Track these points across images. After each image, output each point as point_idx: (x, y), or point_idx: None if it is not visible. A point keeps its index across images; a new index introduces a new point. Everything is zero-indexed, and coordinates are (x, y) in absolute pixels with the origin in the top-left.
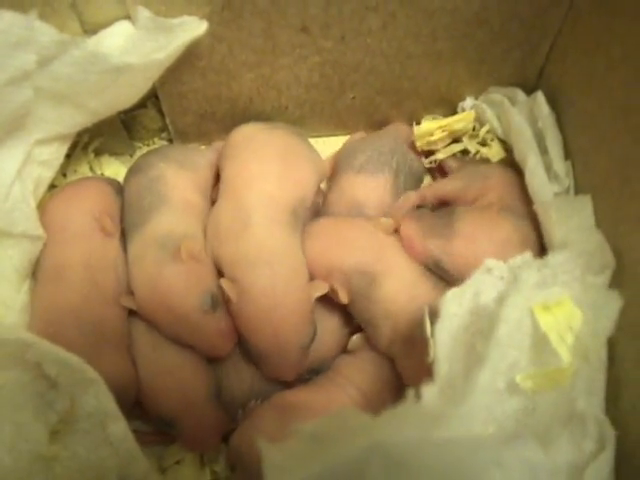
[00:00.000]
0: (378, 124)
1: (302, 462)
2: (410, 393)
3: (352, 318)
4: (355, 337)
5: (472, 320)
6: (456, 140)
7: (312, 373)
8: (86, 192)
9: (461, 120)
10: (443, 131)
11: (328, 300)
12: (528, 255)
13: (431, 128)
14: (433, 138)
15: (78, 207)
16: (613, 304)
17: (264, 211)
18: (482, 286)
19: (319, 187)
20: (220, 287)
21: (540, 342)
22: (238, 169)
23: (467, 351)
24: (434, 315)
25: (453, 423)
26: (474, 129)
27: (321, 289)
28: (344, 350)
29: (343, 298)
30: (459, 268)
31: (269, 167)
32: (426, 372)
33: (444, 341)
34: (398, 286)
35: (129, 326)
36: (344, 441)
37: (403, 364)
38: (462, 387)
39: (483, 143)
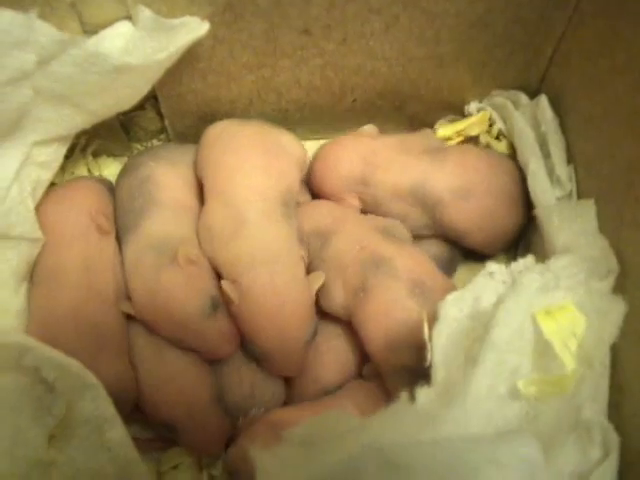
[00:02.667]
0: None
1: (295, 466)
2: (403, 395)
3: None
4: (371, 363)
5: (473, 325)
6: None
7: (323, 395)
8: (79, 192)
9: (477, 123)
10: (459, 135)
11: (341, 325)
12: (530, 259)
13: (448, 134)
14: (451, 142)
15: (72, 208)
16: (617, 309)
17: (256, 207)
18: (483, 290)
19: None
20: (220, 289)
21: (543, 348)
22: (220, 167)
23: (467, 357)
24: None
25: (449, 425)
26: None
27: (319, 280)
28: (356, 376)
29: (304, 258)
30: None
31: (252, 161)
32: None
33: (442, 345)
34: (347, 240)
35: (129, 332)
36: (335, 443)
37: (358, 321)
38: (460, 392)
39: (496, 138)
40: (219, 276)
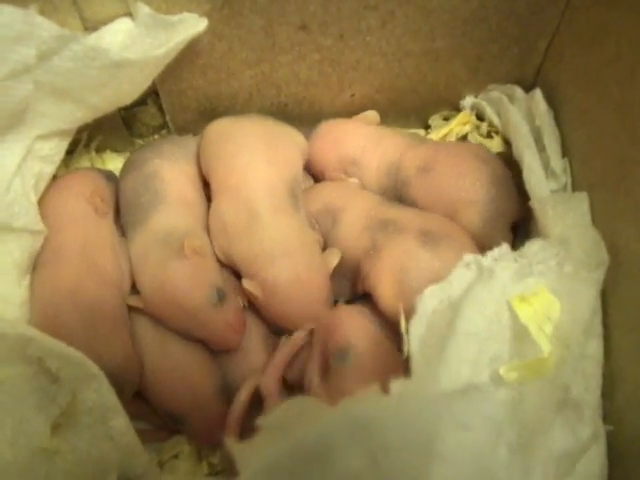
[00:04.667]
0: None
1: (271, 450)
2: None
3: None
4: None
5: (451, 316)
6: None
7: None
8: (75, 180)
9: (458, 126)
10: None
11: None
12: (505, 247)
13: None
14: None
15: (70, 194)
16: (590, 291)
17: (267, 199)
18: (460, 281)
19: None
20: (241, 288)
21: (520, 334)
22: (227, 163)
23: (445, 346)
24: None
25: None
26: (479, 121)
27: (336, 256)
28: None
29: (319, 241)
30: None
31: (257, 154)
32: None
33: (420, 337)
34: (355, 216)
35: (135, 324)
36: (307, 423)
37: (372, 282)
38: (440, 382)
39: (486, 136)
40: (233, 271)
